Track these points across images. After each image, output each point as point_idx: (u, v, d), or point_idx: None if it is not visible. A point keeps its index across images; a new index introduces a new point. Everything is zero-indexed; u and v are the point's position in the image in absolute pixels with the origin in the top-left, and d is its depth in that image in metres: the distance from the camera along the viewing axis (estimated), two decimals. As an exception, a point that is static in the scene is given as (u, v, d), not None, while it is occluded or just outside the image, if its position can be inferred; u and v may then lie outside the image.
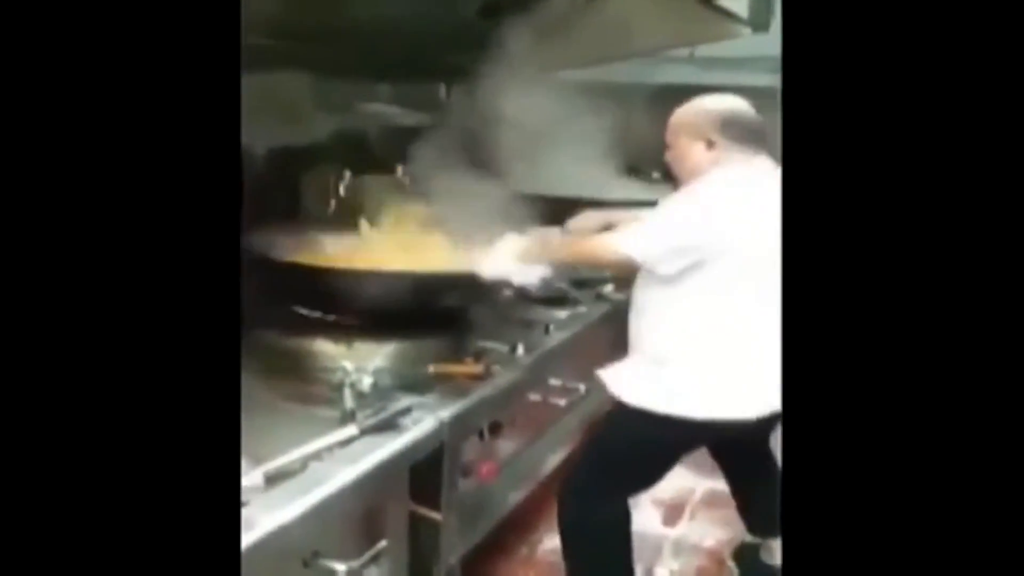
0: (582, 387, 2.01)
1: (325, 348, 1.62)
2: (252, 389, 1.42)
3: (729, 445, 1.93)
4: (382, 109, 2.35)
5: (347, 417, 1.28)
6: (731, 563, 2.13)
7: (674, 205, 1.61)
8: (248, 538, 0.96)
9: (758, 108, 1.67)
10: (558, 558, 1.75)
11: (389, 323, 1.70)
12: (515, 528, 2.09)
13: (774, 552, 1.98)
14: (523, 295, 2.20)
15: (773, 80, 2.53)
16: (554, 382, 1.94)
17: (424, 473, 1.35)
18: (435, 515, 1.41)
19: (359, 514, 1.23)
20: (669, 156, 1.72)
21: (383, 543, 1.27)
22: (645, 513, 2.26)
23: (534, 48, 1.85)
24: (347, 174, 2.19)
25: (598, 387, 2.20)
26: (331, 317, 1.75)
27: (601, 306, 2.19)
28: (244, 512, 1.00)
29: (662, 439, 1.64)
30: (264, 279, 1.73)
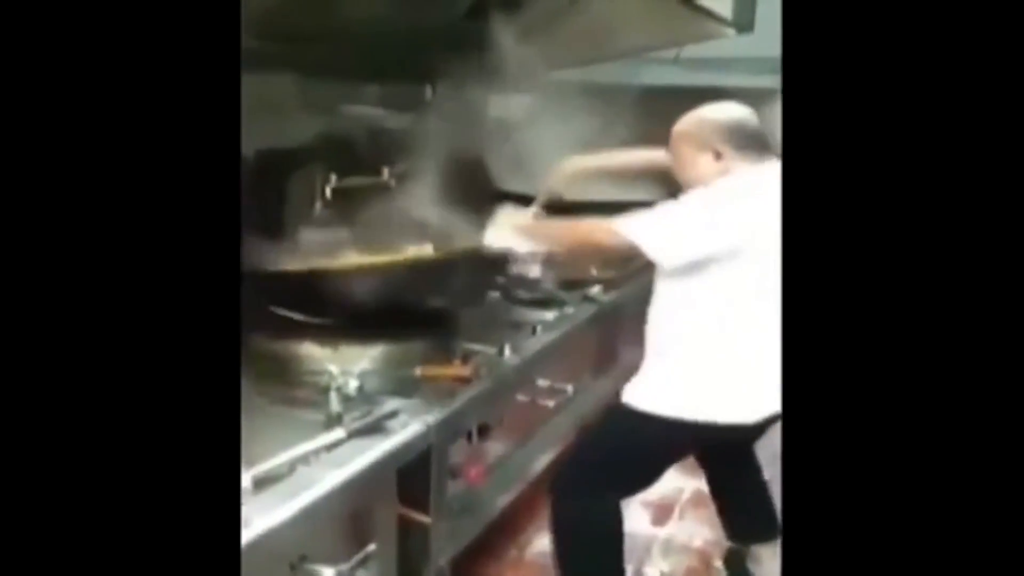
0: (570, 388, 2.01)
1: (311, 351, 1.62)
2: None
3: (718, 449, 1.94)
4: (368, 111, 2.34)
5: (334, 420, 1.28)
6: (721, 567, 2.13)
7: (691, 202, 1.59)
8: (235, 543, 0.95)
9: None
10: (547, 560, 1.75)
11: (379, 320, 1.69)
12: (504, 530, 2.09)
13: (760, 560, 1.98)
14: (509, 296, 2.20)
15: (758, 80, 2.54)
16: (542, 383, 1.94)
17: (412, 476, 1.35)
18: (424, 518, 1.40)
19: (347, 517, 1.23)
20: (673, 164, 1.72)
21: (371, 546, 1.26)
22: (634, 513, 2.26)
23: (519, 49, 1.85)
24: (332, 176, 2.18)
25: (586, 388, 2.21)
26: (317, 320, 1.74)
27: (588, 307, 2.20)
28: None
29: (661, 441, 1.64)
30: (248, 282, 1.72)
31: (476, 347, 1.71)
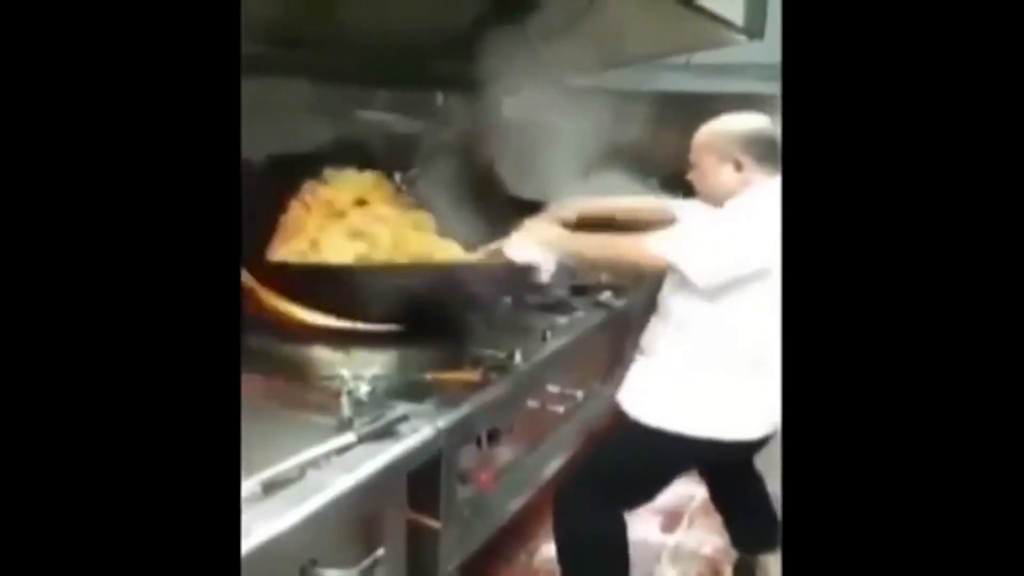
0: (580, 394, 2.01)
1: (323, 355, 1.62)
2: (249, 396, 1.42)
3: (719, 463, 1.93)
4: (380, 116, 2.35)
5: (345, 424, 1.28)
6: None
7: (723, 221, 1.58)
8: (245, 546, 0.95)
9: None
10: (556, 566, 1.75)
11: (391, 322, 1.69)
12: (514, 536, 2.09)
13: (767, 569, 1.97)
14: (520, 301, 2.20)
15: (768, 87, 2.54)
16: (552, 389, 1.94)
17: (422, 481, 1.35)
18: (433, 523, 1.40)
19: (357, 522, 1.23)
20: (693, 175, 1.71)
21: (381, 551, 1.26)
22: (643, 520, 2.26)
23: (531, 55, 1.86)
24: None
25: (596, 394, 2.21)
26: (333, 321, 1.74)
27: (599, 313, 2.19)
28: (241, 520, 1.00)
29: (666, 456, 1.63)
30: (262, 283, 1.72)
31: (487, 352, 1.70)
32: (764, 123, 1.64)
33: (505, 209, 1.90)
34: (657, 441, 1.59)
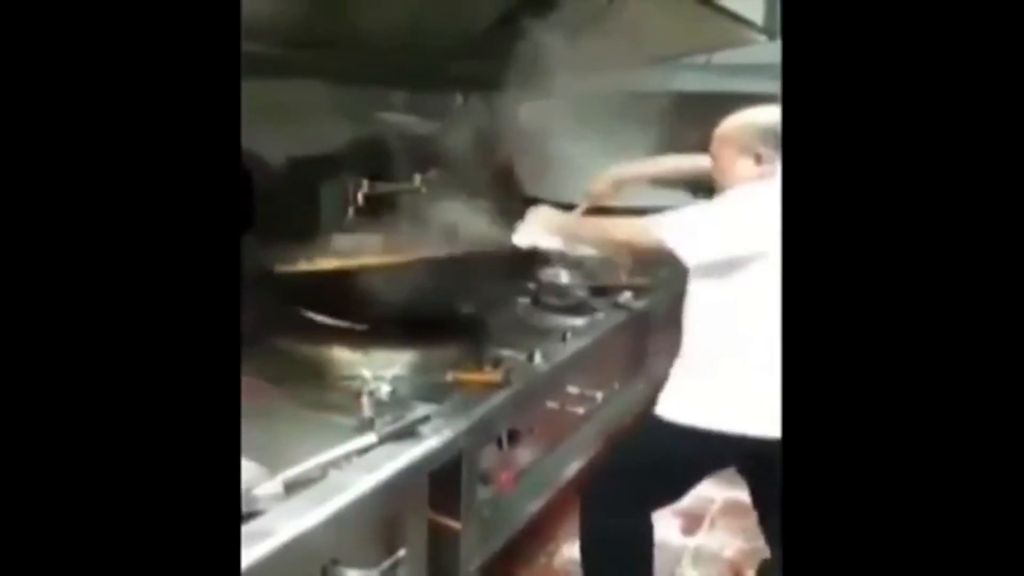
0: (599, 395, 2.00)
1: (343, 356, 1.62)
2: (271, 397, 1.43)
3: (756, 459, 1.91)
4: (399, 118, 2.36)
5: (366, 425, 1.28)
6: (754, 579, 2.10)
7: (722, 202, 1.59)
8: (267, 546, 0.95)
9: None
10: (577, 567, 1.74)
11: (410, 323, 1.69)
12: (534, 537, 2.08)
13: None
14: (539, 302, 2.20)
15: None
16: (572, 390, 1.93)
17: (443, 481, 1.35)
18: (454, 524, 1.40)
19: (378, 522, 1.23)
20: (713, 168, 1.71)
21: (402, 551, 1.26)
22: (664, 522, 2.24)
23: (550, 56, 1.85)
24: (364, 182, 2.20)
25: (615, 395, 2.20)
26: (347, 323, 1.75)
27: (619, 314, 2.19)
28: (262, 520, 1.00)
29: (693, 453, 1.62)
30: (280, 287, 1.73)
31: (507, 353, 1.71)
32: None
33: (524, 210, 1.90)
34: (682, 438, 1.57)
